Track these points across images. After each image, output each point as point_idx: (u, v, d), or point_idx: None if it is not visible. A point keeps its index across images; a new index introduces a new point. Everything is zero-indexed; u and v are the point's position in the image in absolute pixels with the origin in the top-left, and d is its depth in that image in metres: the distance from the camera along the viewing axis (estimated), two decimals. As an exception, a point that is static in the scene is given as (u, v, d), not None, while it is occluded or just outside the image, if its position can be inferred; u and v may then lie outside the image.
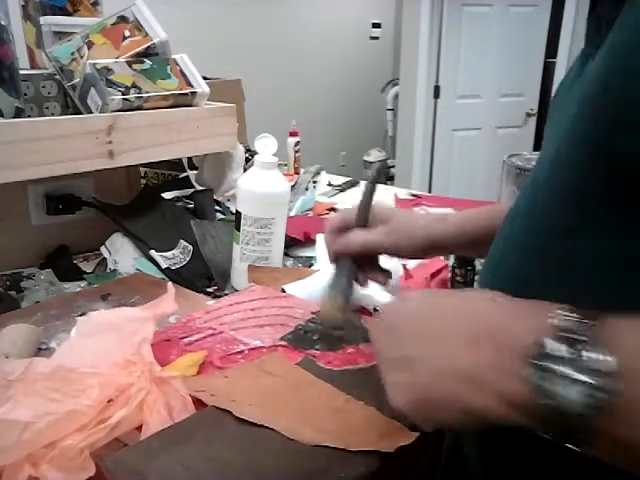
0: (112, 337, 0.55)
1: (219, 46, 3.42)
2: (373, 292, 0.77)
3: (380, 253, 0.62)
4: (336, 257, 0.62)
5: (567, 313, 0.31)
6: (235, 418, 0.49)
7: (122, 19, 0.96)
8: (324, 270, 0.88)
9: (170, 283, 0.65)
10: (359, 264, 0.62)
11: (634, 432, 0.28)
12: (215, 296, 0.84)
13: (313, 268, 0.94)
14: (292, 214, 1.23)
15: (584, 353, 0.29)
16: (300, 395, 0.53)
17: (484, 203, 1.37)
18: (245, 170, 0.96)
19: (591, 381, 0.29)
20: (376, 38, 4.57)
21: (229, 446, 0.46)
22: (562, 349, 0.30)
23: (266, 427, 0.48)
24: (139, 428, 0.48)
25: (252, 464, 0.44)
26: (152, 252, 0.91)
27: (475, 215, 0.62)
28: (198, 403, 0.52)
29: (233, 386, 0.54)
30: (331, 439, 0.46)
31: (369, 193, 0.61)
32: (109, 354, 0.53)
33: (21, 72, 0.87)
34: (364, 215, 0.61)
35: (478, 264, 0.90)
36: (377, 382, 0.55)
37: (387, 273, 0.64)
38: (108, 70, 0.89)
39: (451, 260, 0.90)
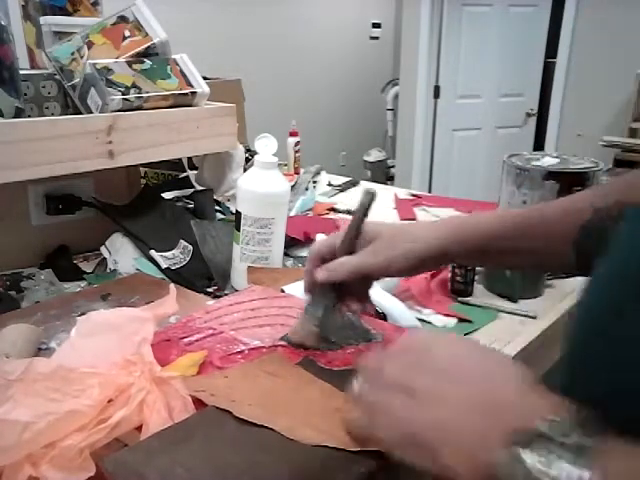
0: (112, 337, 0.55)
1: (219, 46, 3.42)
2: (373, 292, 0.77)
3: (372, 278, 0.60)
4: (313, 286, 0.59)
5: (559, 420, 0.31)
6: (235, 418, 0.49)
7: (122, 19, 0.96)
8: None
9: (172, 285, 0.65)
10: (341, 291, 0.59)
11: None
12: (215, 296, 0.84)
13: (313, 268, 0.93)
14: (292, 214, 1.23)
15: (559, 464, 0.29)
16: (300, 395, 0.53)
17: (484, 203, 1.37)
18: (245, 170, 0.96)
19: None
20: (376, 38, 4.57)
21: (229, 446, 0.46)
22: (541, 452, 0.30)
23: (266, 427, 0.48)
24: (139, 428, 0.48)
25: (252, 464, 0.44)
26: (152, 252, 0.91)
27: (476, 224, 0.58)
28: (198, 403, 0.52)
29: (233, 386, 0.54)
30: (331, 439, 0.46)
31: (357, 224, 0.58)
32: (109, 354, 0.53)
33: (21, 72, 0.87)
34: (350, 245, 0.58)
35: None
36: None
37: (364, 304, 0.62)
38: (108, 70, 0.89)
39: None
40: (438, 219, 0.62)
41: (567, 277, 0.94)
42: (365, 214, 0.58)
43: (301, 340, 0.61)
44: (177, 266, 0.90)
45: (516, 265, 0.66)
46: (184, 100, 0.97)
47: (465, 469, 0.32)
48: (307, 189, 1.45)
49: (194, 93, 0.97)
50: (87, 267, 0.96)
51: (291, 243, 1.00)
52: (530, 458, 0.29)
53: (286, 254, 0.96)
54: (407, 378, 0.38)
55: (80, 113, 0.91)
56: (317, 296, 0.59)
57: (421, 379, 0.37)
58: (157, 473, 0.42)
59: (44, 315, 0.75)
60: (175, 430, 0.47)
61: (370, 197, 0.58)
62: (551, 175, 1.00)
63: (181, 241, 0.95)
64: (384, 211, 1.32)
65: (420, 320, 0.77)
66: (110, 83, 0.88)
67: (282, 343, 0.64)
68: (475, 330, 0.77)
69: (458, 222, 0.58)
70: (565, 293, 0.90)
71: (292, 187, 1.40)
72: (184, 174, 1.28)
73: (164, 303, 0.60)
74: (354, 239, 0.58)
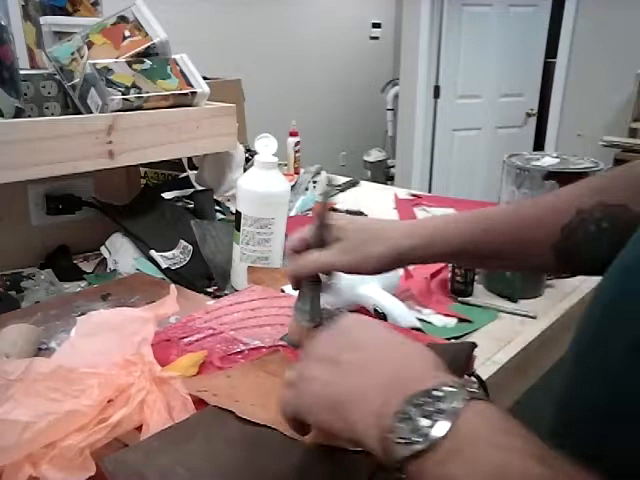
0: (112, 337, 0.55)
1: (219, 46, 3.42)
2: (373, 293, 0.77)
3: (334, 272, 0.58)
4: (296, 280, 0.58)
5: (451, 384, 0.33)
6: (235, 418, 0.49)
7: (122, 19, 0.96)
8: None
9: (173, 285, 0.65)
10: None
11: None
12: (215, 296, 0.84)
13: (313, 268, 0.93)
14: (292, 214, 1.23)
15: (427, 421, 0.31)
16: None
17: (484, 203, 1.37)
18: (245, 170, 0.96)
19: (419, 439, 0.30)
20: (376, 38, 4.57)
21: (229, 446, 0.46)
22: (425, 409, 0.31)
23: (268, 427, 0.48)
24: (139, 428, 0.48)
25: (252, 464, 0.44)
26: (152, 252, 0.91)
27: (452, 227, 0.56)
28: (198, 403, 0.52)
29: (236, 386, 0.54)
30: (333, 439, 0.46)
31: (322, 215, 0.57)
32: (109, 354, 0.53)
33: (21, 72, 0.87)
34: (319, 235, 0.57)
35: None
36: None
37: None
38: (108, 70, 0.89)
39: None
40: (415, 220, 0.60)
41: (567, 277, 0.94)
42: (327, 203, 0.57)
43: (298, 338, 0.61)
44: (177, 266, 0.90)
45: (495, 267, 0.65)
46: (184, 100, 0.97)
47: (369, 434, 0.34)
48: (307, 189, 1.45)
49: (194, 93, 0.97)
50: (87, 267, 0.96)
51: (291, 243, 1.00)
52: (416, 415, 0.31)
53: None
54: (332, 353, 0.40)
55: (80, 113, 0.91)
56: (303, 290, 0.59)
57: (345, 353, 0.39)
58: (157, 473, 0.42)
59: (44, 315, 0.75)
60: (175, 430, 0.47)
61: (331, 186, 0.57)
62: (551, 175, 1.00)
63: (181, 241, 0.95)
64: (384, 211, 1.32)
65: (420, 320, 0.77)
66: (110, 83, 0.88)
67: (282, 343, 0.64)
68: (475, 330, 0.77)
69: (433, 224, 0.57)
70: (565, 293, 0.90)
71: (292, 187, 1.40)
72: (184, 174, 1.28)
73: (164, 303, 0.60)
74: (322, 231, 0.57)
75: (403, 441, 0.31)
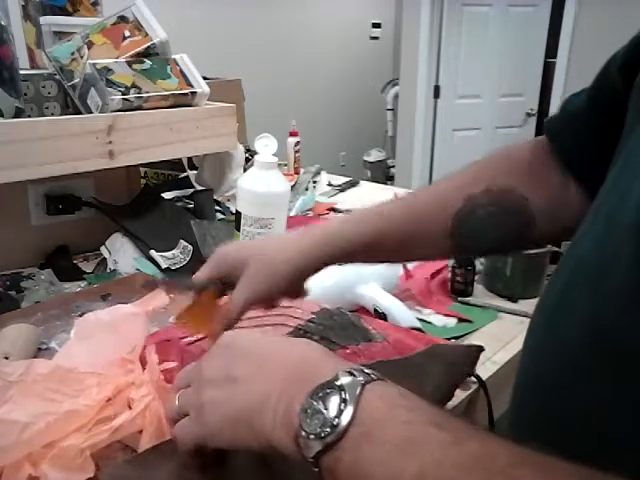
0: (108, 337, 0.55)
1: (219, 46, 3.42)
2: (373, 293, 0.77)
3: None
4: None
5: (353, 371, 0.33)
6: None
7: (122, 19, 0.96)
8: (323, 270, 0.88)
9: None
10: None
11: None
12: (215, 296, 0.84)
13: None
14: (292, 214, 1.23)
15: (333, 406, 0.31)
16: None
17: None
18: (245, 170, 0.96)
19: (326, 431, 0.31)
20: (376, 38, 4.57)
21: (228, 459, 0.46)
22: (330, 400, 0.32)
23: None
24: (140, 431, 0.48)
25: (252, 475, 0.44)
26: (152, 252, 0.91)
27: (353, 227, 0.56)
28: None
29: None
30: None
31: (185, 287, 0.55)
32: (106, 354, 0.53)
33: (21, 72, 0.87)
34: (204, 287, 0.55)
35: (478, 264, 0.90)
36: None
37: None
38: (108, 70, 0.89)
39: (451, 260, 0.90)
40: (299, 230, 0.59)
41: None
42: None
43: None
44: (177, 266, 0.90)
45: (399, 261, 0.70)
46: (184, 100, 0.97)
47: (281, 437, 0.34)
48: (307, 189, 1.45)
49: (194, 93, 0.97)
50: (87, 267, 0.96)
51: (291, 243, 1.00)
52: (322, 407, 0.31)
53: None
54: (222, 372, 0.39)
55: (80, 113, 0.91)
56: None
57: (236, 367, 0.39)
58: None
59: (44, 315, 0.75)
60: (174, 443, 0.47)
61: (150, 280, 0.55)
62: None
63: (181, 241, 0.95)
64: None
65: (420, 320, 0.77)
66: (110, 83, 0.88)
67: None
68: (475, 330, 0.77)
69: (321, 233, 0.56)
70: (565, 293, 0.90)
71: (292, 187, 1.40)
72: (184, 174, 1.28)
73: (154, 297, 0.60)
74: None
75: (314, 436, 0.31)
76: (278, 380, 0.36)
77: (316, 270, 0.56)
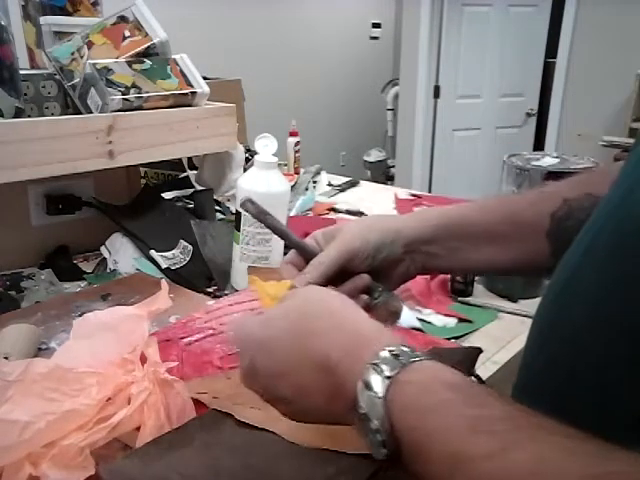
0: (108, 337, 0.55)
1: (219, 46, 3.42)
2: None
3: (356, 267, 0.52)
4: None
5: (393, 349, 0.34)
6: (234, 421, 0.49)
7: (122, 19, 0.96)
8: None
9: (164, 280, 0.64)
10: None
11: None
12: (215, 296, 0.84)
13: (313, 268, 0.93)
14: (292, 214, 1.23)
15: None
16: None
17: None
18: (245, 170, 0.96)
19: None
20: (376, 38, 4.57)
21: (226, 451, 0.46)
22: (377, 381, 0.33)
23: (267, 430, 0.48)
24: (139, 428, 0.48)
25: (250, 469, 0.44)
26: (152, 252, 0.91)
27: (454, 212, 0.55)
28: (199, 406, 0.52)
29: (236, 388, 0.54)
30: (331, 442, 0.46)
31: (276, 227, 0.52)
32: (106, 354, 0.53)
33: (21, 72, 0.87)
34: (301, 246, 0.52)
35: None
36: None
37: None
38: (108, 70, 0.89)
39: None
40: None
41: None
42: (265, 214, 0.52)
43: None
44: (177, 266, 0.90)
45: (493, 259, 0.57)
46: (184, 100, 0.96)
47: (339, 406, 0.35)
48: (307, 189, 1.45)
49: (194, 93, 0.97)
50: (87, 267, 0.96)
51: (291, 243, 1.00)
52: (374, 380, 0.32)
53: (286, 254, 0.96)
54: (273, 395, 0.40)
55: (80, 113, 0.91)
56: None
57: (279, 389, 0.39)
58: None
59: (44, 315, 0.75)
60: (172, 435, 0.47)
61: (250, 201, 0.52)
62: (551, 175, 1.00)
63: (181, 241, 0.95)
64: (384, 211, 1.32)
65: (420, 320, 0.77)
66: (110, 83, 0.88)
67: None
68: (475, 330, 0.77)
69: (424, 212, 0.56)
70: (565, 293, 0.90)
71: (292, 187, 1.40)
72: (184, 174, 1.28)
73: (157, 299, 0.60)
74: (301, 248, 0.52)
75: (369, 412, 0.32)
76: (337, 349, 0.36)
77: (412, 241, 0.52)
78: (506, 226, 0.53)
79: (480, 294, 0.88)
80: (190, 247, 0.94)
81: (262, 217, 0.51)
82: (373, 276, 0.52)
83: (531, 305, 0.85)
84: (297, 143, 1.71)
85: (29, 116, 0.91)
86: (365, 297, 0.51)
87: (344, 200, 1.41)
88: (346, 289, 0.51)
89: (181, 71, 0.97)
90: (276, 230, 0.52)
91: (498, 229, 0.53)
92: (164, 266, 0.89)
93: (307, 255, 0.51)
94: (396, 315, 0.54)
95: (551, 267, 0.51)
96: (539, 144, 3.76)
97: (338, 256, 0.50)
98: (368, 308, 0.51)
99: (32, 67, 1.08)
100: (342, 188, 1.53)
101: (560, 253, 0.51)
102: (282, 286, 0.51)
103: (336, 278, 0.50)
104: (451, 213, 0.54)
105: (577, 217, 0.50)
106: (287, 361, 0.38)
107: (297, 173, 1.66)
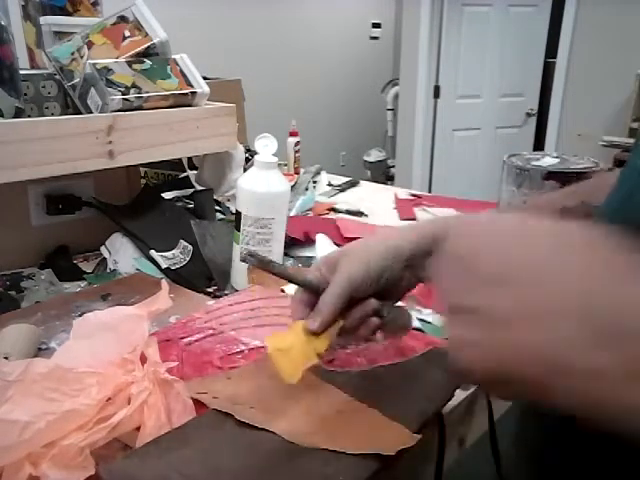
0: (108, 337, 0.55)
1: (219, 46, 3.43)
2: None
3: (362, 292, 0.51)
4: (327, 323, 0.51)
5: None
6: (234, 421, 0.49)
7: (122, 19, 0.96)
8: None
9: (164, 280, 0.64)
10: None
11: None
12: (215, 296, 0.84)
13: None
14: (292, 214, 1.23)
15: None
16: (302, 397, 0.53)
17: (484, 203, 1.37)
18: (245, 170, 0.96)
19: None
20: (376, 38, 4.57)
21: (226, 451, 0.46)
22: None
23: (267, 430, 0.48)
24: (139, 428, 0.48)
25: (249, 469, 0.44)
26: (152, 252, 0.91)
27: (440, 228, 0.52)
28: (199, 406, 0.52)
29: (236, 389, 0.54)
30: (331, 442, 0.46)
31: (282, 273, 0.52)
32: (106, 354, 0.53)
33: (21, 72, 0.87)
34: (308, 284, 0.52)
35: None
36: (379, 384, 0.55)
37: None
38: (108, 70, 0.89)
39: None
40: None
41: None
42: (268, 262, 0.52)
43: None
44: (177, 266, 0.90)
45: None
46: (184, 100, 0.97)
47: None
48: (307, 189, 1.45)
49: (194, 93, 0.97)
50: (87, 267, 0.96)
51: (291, 243, 1.00)
52: None
53: (286, 254, 0.96)
54: (465, 299, 0.30)
55: (80, 113, 0.91)
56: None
57: (484, 292, 0.29)
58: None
59: (44, 315, 0.75)
60: (172, 435, 0.47)
61: (250, 254, 0.51)
62: (551, 175, 1.00)
63: (181, 241, 0.95)
64: (385, 211, 1.32)
65: (420, 320, 0.77)
66: (110, 83, 0.88)
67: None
68: (475, 330, 0.77)
69: (422, 223, 0.54)
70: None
71: (292, 187, 1.40)
72: (184, 174, 1.28)
73: (157, 299, 0.60)
74: (307, 284, 0.53)
75: None
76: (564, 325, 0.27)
77: (412, 256, 0.51)
78: None
79: (480, 294, 0.88)
80: (190, 247, 0.94)
81: (266, 266, 0.52)
82: (378, 295, 0.52)
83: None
84: (297, 143, 1.71)
85: (29, 116, 0.91)
86: (375, 319, 0.52)
87: (344, 200, 1.41)
88: (356, 316, 0.52)
89: (181, 71, 0.97)
90: (283, 275, 0.53)
91: None
92: (164, 266, 0.89)
93: (314, 290, 0.52)
94: (406, 328, 0.55)
95: None
96: (539, 144, 3.75)
97: (343, 293, 0.50)
98: (378, 327, 0.52)
99: (32, 67, 1.08)
100: (342, 188, 1.53)
101: None
102: (293, 333, 0.51)
103: (344, 308, 0.51)
104: (448, 224, 0.53)
105: None
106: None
107: (297, 173, 1.66)
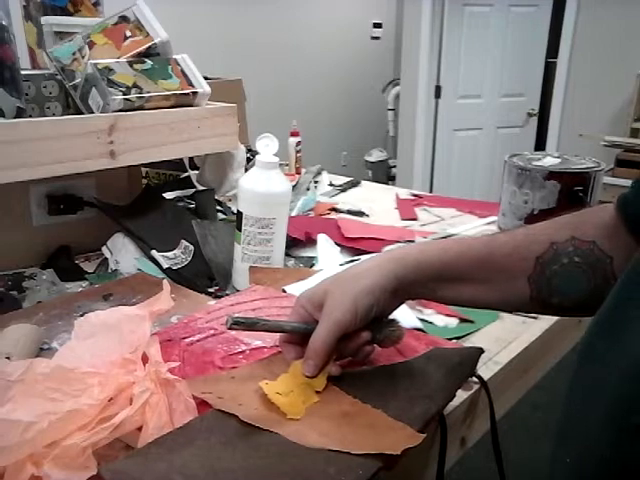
0: (110, 337, 0.55)
1: (220, 46, 3.43)
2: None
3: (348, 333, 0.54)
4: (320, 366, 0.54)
5: None
6: (237, 422, 0.49)
7: (123, 19, 0.96)
8: (325, 270, 0.88)
9: (165, 280, 0.64)
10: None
11: None
12: (216, 296, 0.84)
13: (314, 268, 0.94)
14: (293, 214, 1.23)
15: None
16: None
17: (485, 203, 1.37)
18: (246, 170, 0.96)
19: None
20: (377, 38, 4.57)
21: (229, 451, 0.45)
22: None
23: (271, 431, 0.48)
24: (141, 428, 0.48)
25: (252, 470, 0.44)
26: (153, 252, 0.91)
27: (422, 255, 0.55)
28: (201, 406, 0.52)
29: (240, 389, 0.54)
30: (335, 442, 0.46)
31: (270, 327, 0.55)
32: (108, 354, 0.53)
33: (22, 72, 0.87)
34: (296, 330, 0.55)
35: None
36: (381, 384, 0.55)
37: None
38: (109, 70, 0.90)
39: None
40: (381, 253, 0.59)
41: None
42: (254, 323, 0.54)
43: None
44: (178, 266, 0.90)
45: (474, 298, 0.58)
46: (185, 100, 0.97)
47: None
48: (308, 189, 1.45)
49: (195, 93, 0.97)
50: (89, 267, 0.96)
51: (292, 243, 1.00)
52: None
53: (287, 254, 0.96)
54: None
55: (81, 113, 0.91)
56: None
57: None
58: None
59: (46, 315, 0.75)
60: (174, 436, 0.47)
61: (235, 322, 0.53)
62: (552, 175, 1.00)
63: (182, 241, 0.95)
64: (386, 211, 1.32)
65: (421, 320, 0.77)
66: (111, 83, 0.88)
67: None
68: (477, 330, 0.77)
69: (403, 253, 0.56)
70: (567, 293, 0.90)
71: (293, 187, 1.40)
72: (185, 174, 1.28)
73: (158, 299, 0.60)
74: (294, 328, 0.56)
75: None
76: None
77: (396, 288, 0.54)
78: (482, 272, 0.55)
79: (481, 294, 0.88)
80: (191, 247, 0.94)
81: (254, 327, 0.54)
82: (369, 324, 0.55)
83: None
84: (298, 143, 1.71)
85: (30, 116, 0.91)
86: (369, 347, 0.56)
87: (345, 200, 1.41)
88: (350, 351, 0.55)
89: (182, 71, 0.97)
90: (271, 330, 0.56)
91: (473, 274, 0.55)
92: (165, 266, 0.89)
93: (303, 334, 0.55)
94: (399, 338, 0.58)
95: (529, 309, 0.53)
96: (540, 144, 3.75)
97: (333, 337, 0.52)
98: (373, 350, 0.57)
99: (33, 67, 1.08)
100: (343, 188, 1.53)
101: (540, 296, 0.53)
102: (292, 375, 0.54)
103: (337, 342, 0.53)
104: (429, 257, 0.55)
105: (561, 262, 0.52)
106: None
107: (298, 173, 1.66)
